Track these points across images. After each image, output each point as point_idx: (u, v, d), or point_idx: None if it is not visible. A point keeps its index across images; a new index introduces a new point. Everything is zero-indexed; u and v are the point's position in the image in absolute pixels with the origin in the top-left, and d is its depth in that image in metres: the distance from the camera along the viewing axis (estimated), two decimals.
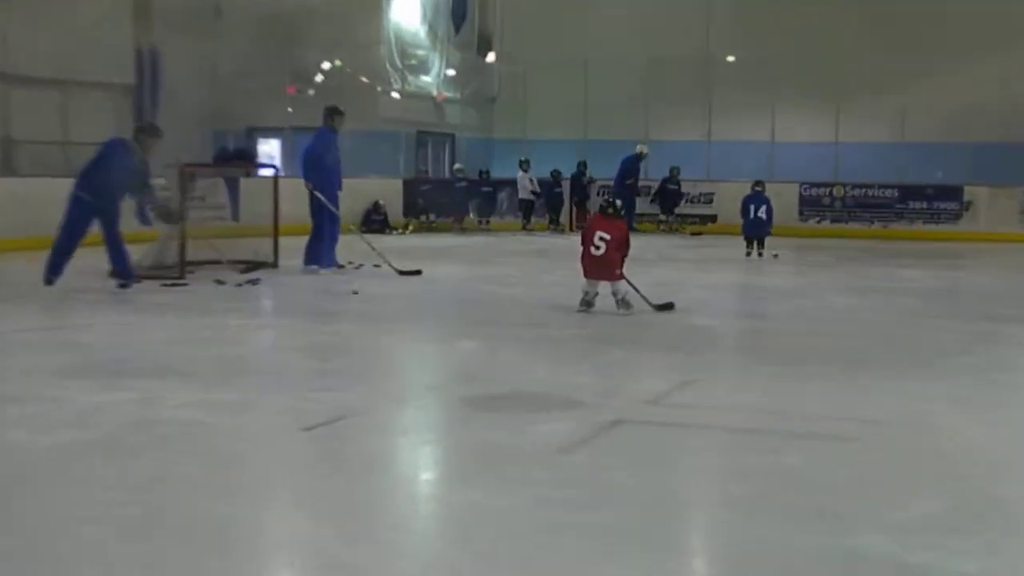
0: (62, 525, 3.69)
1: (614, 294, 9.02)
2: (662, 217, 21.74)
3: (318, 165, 12.58)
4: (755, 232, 15.84)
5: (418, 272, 12.34)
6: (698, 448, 4.97)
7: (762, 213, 15.82)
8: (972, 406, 5.84)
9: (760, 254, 15.63)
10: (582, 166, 22.16)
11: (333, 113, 12.72)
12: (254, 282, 11.22)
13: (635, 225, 20.97)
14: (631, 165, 21.20)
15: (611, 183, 21.43)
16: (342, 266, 12.66)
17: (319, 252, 12.47)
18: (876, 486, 4.25)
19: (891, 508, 3.95)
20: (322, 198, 12.53)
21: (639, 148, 21.36)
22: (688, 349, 7.60)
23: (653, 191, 21.87)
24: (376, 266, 12.91)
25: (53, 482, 4.20)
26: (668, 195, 21.74)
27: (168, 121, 19.63)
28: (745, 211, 15.98)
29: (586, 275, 9.15)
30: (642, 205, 21.74)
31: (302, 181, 12.80)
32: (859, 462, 4.61)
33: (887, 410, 5.61)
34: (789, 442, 4.93)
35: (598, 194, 22.09)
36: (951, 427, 5.31)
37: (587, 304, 9.11)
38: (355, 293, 10.44)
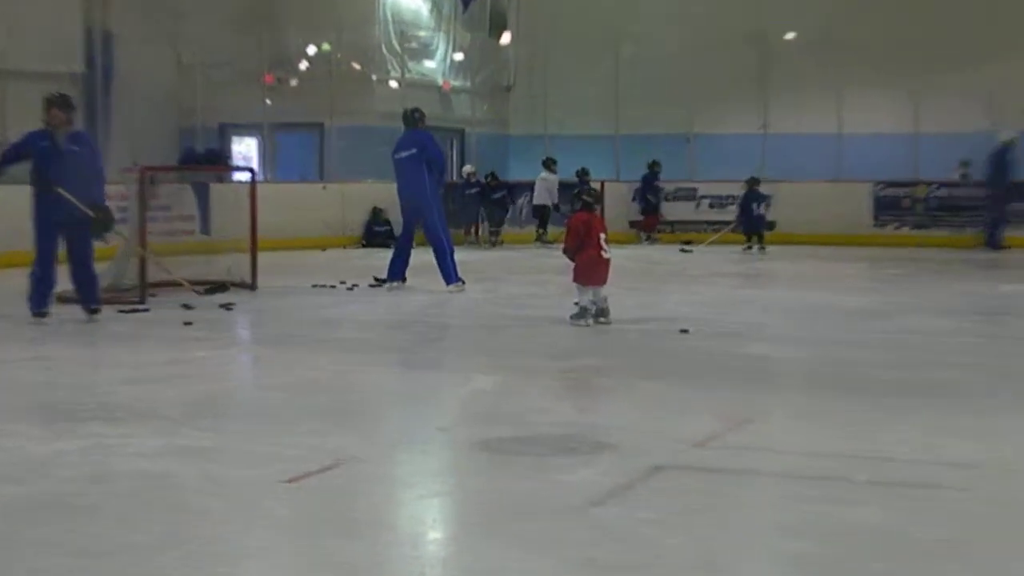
0: None
1: (603, 300, 9.92)
2: None
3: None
4: (757, 228, 19.75)
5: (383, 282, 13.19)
6: (757, 500, 4.94)
7: (762, 210, 19.87)
8: None
9: (762, 248, 19.38)
10: (655, 165, 22.22)
11: (422, 115, 13.42)
12: (228, 307, 11.24)
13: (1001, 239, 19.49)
14: (1004, 157, 20.05)
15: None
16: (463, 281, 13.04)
17: (448, 267, 12.92)
18: (973, 544, 4.21)
19: (991, 571, 3.91)
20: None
21: (1005, 136, 20.04)
22: (743, 382, 7.57)
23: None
24: (373, 284, 13.04)
25: None
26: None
27: (125, 116, 19.82)
28: (747, 209, 19.77)
29: (596, 282, 9.87)
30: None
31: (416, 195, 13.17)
32: (952, 515, 4.57)
33: (985, 453, 5.56)
34: (868, 492, 4.89)
35: (664, 198, 22.14)
36: None
37: (602, 314, 9.85)
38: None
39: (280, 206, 18.22)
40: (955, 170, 22.35)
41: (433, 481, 5.26)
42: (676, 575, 3.88)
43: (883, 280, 15.08)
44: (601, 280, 9.93)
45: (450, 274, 12.87)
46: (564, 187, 21.18)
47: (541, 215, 21.80)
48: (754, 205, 19.73)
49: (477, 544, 4.27)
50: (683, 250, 19.84)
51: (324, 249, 19.73)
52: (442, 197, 13.67)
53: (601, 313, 9.91)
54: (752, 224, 19.78)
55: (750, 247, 19.63)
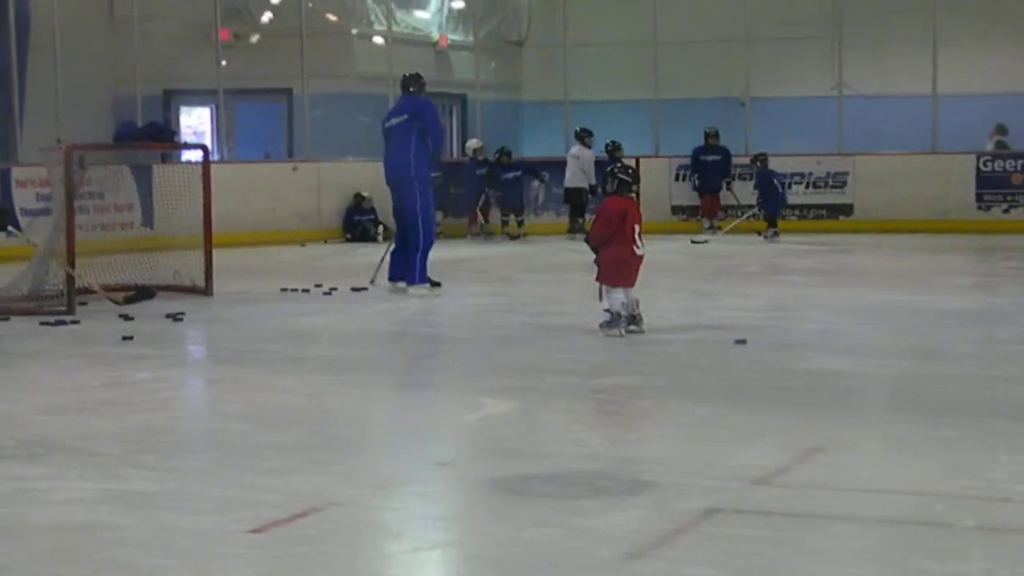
0: None
1: (635, 304, 10.00)
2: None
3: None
4: (778, 210, 20.51)
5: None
6: (834, 550, 4.92)
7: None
8: None
9: (777, 232, 20.06)
10: (712, 136, 22.18)
11: (422, 82, 13.67)
12: (177, 318, 11.24)
13: None
14: None
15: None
16: (437, 284, 13.07)
17: (414, 263, 12.96)
18: None
19: None
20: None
21: None
22: (814, 404, 7.56)
23: None
24: (356, 288, 13.06)
25: None
26: None
27: (44, 81, 19.79)
28: (775, 187, 20.33)
29: (626, 282, 9.95)
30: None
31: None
32: None
33: None
34: (975, 539, 4.88)
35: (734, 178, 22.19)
36: None
37: (632, 321, 9.92)
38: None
39: (240, 192, 18.25)
40: (990, 136, 22.26)
41: (432, 530, 5.24)
42: None
43: (991, 275, 15.03)
44: (632, 280, 10.00)
45: (414, 271, 12.89)
46: (596, 165, 21.17)
47: (575, 201, 21.65)
48: (776, 183, 20.36)
49: None
50: (695, 242, 19.97)
51: (303, 244, 19.74)
52: (436, 178, 13.63)
53: (632, 320, 9.95)
54: (778, 205, 20.43)
55: (777, 232, 20.06)
